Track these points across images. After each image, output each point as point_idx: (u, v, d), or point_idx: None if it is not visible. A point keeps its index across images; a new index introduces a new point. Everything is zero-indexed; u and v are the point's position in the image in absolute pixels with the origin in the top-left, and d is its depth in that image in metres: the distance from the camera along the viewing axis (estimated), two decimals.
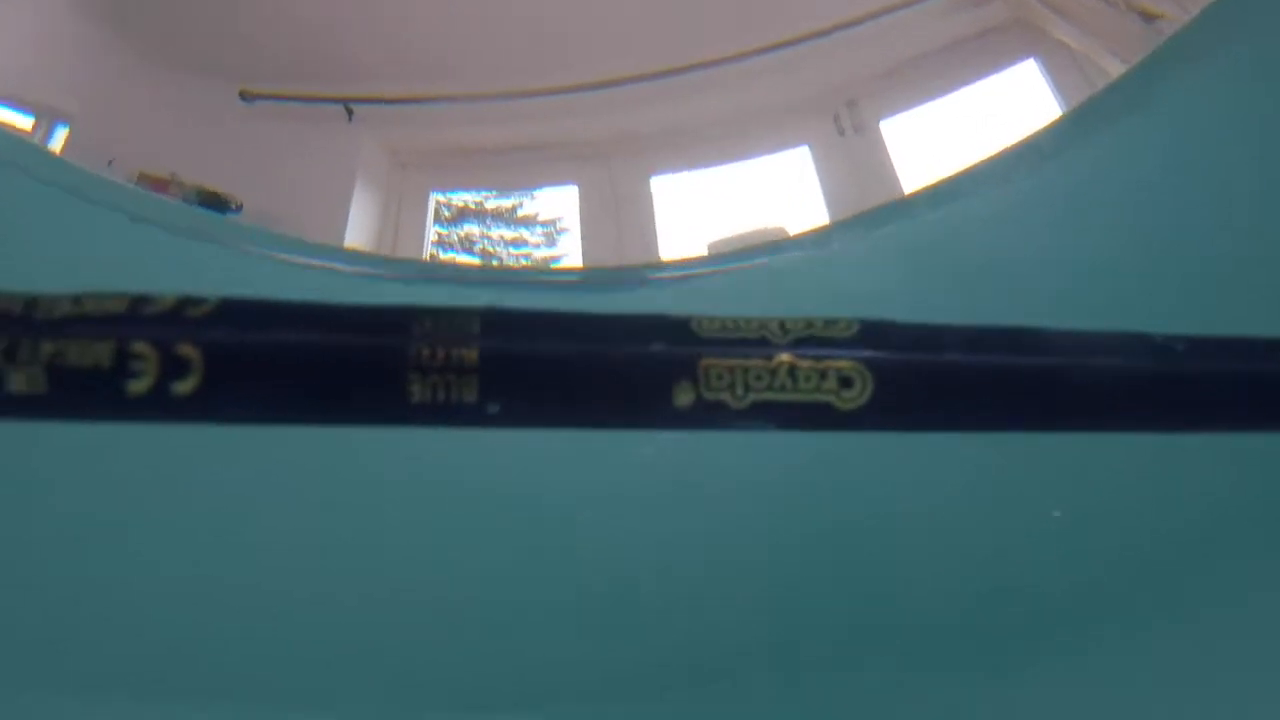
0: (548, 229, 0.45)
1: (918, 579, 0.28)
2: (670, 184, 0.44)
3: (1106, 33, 0.37)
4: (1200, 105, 0.33)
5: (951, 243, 0.33)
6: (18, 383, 0.12)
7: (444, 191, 0.45)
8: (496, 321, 0.12)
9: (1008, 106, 0.37)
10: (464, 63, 0.44)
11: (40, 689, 0.24)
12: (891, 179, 0.41)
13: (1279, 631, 0.26)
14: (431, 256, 0.45)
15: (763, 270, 0.35)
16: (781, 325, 0.12)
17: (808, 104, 0.43)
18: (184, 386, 0.12)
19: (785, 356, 0.12)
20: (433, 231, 0.45)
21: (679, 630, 0.27)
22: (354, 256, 0.41)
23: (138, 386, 0.12)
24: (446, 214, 0.45)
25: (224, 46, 0.44)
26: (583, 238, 0.44)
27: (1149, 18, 0.36)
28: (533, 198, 0.45)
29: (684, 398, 0.12)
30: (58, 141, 0.42)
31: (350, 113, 0.45)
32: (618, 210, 0.43)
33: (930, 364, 0.12)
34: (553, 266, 0.43)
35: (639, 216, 0.43)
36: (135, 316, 0.12)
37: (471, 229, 0.45)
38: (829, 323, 0.12)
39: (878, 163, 0.41)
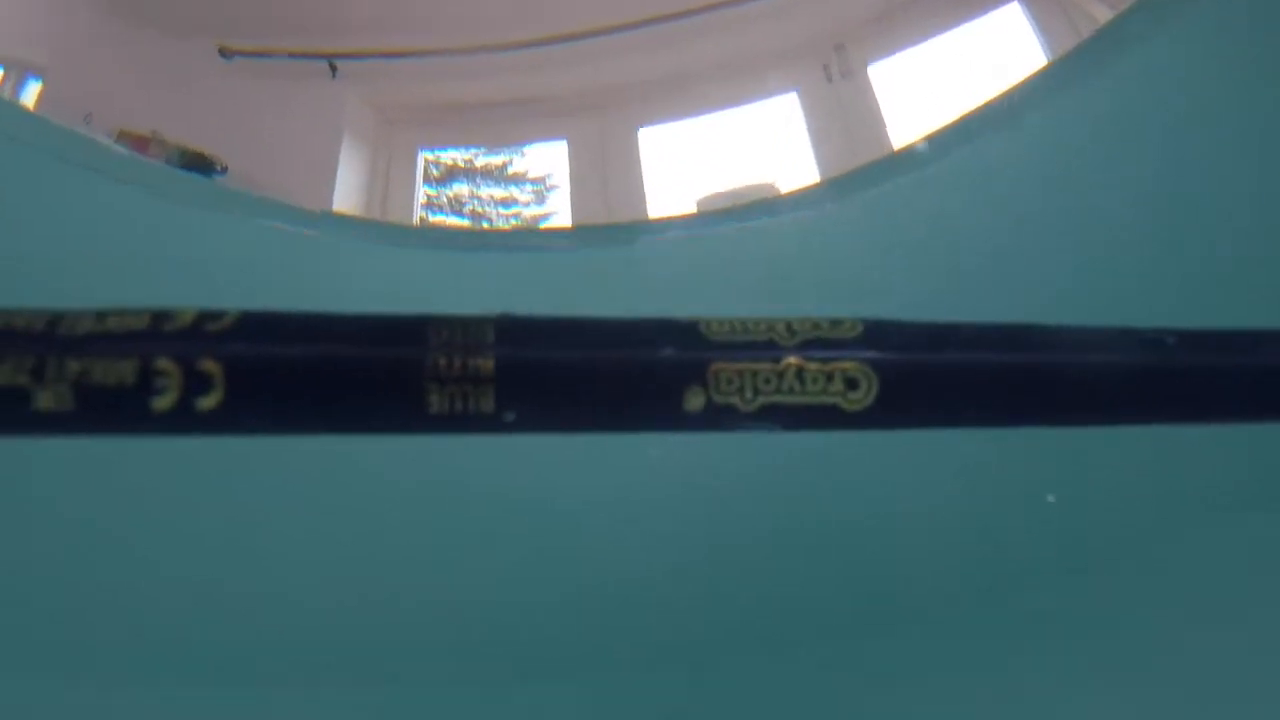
0: (537, 186, 0.45)
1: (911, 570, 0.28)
2: (659, 136, 0.44)
3: None
4: (1192, 50, 0.33)
5: (939, 199, 0.33)
6: (45, 401, 0.12)
7: (433, 149, 0.45)
8: (510, 329, 0.13)
9: (993, 54, 0.37)
10: (449, 15, 0.44)
11: (69, 676, 0.25)
12: (879, 125, 0.41)
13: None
14: (422, 219, 0.45)
15: (753, 230, 0.36)
16: (788, 326, 0.13)
17: (796, 49, 0.43)
18: (207, 402, 0.12)
19: (793, 359, 0.13)
20: (422, 192, 0.45)
21: (682, 617, 0.28)
22: (347, 223, 0.41)
23: (162, 403, 0.12)
24: (435, 173, 0.45)
25: (200, 0, 0.44)
26: (572, 193, 0.44)
27: None
28: (522, 154, 0.45)
29: (695, 402, 0.13)
30: (30, 97, 0.41)
31: (334, 69, 0.44)
32: (607, 165, 0.43)
33: (931, 363, 0.13)
34: (541, 227, 0.43)
35: (628, 171, 0.43)
36: (157, 333, 0.13)
37: (461, 189, 0.45)
38: (834, 323, 0.13)
39: (866, 108, 0.42)
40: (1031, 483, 0.28)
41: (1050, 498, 0.28)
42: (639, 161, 0.43)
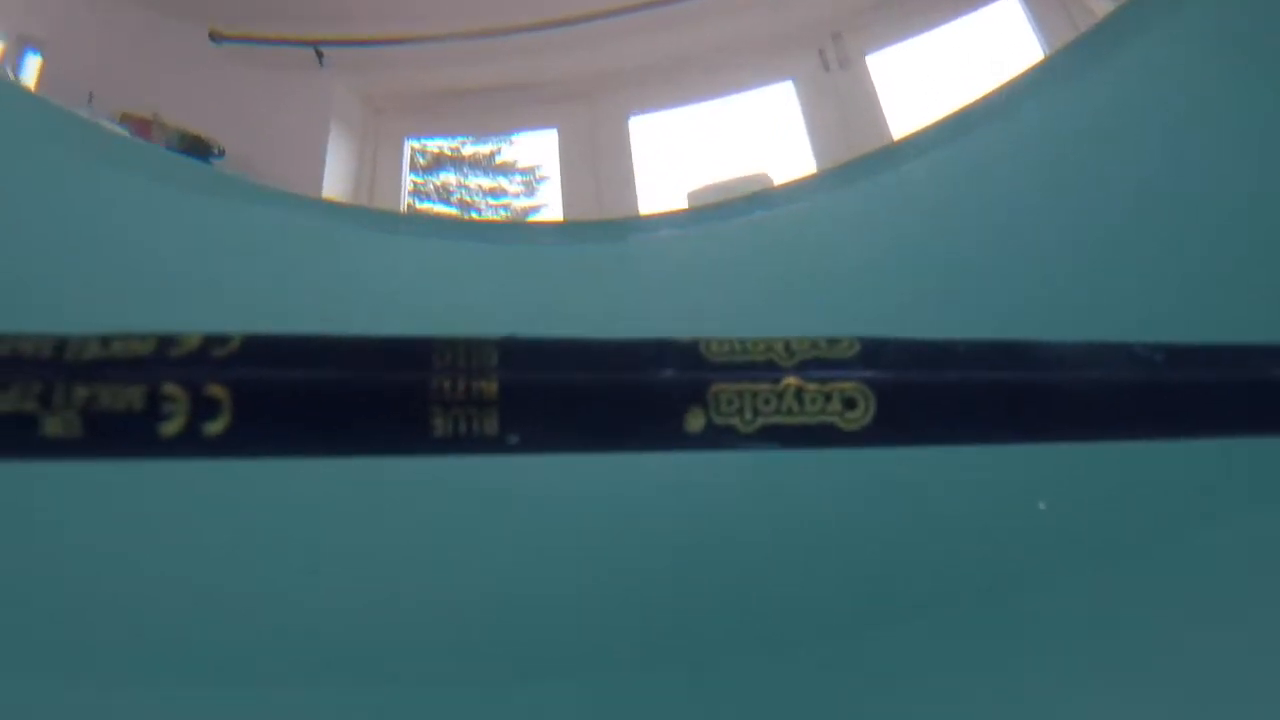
0: (526, 176, 0.45)
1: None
2: (651, 125, 0.44)
3: None
4: (1190, 42, 0.34)
5: (935, 191, 0.34)
6: (53, 427, 0.13)
7: (419, 137, 0.45)
8: (514, 352, 0.13)
9: (991, 46, 0.38)
10: (436, 1, 0.44)
11: (69, 676, 0.25)
12: (877, 116, 0.42)
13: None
14: (409, 206, 0.45)
15: (747, 223, 0.36)
16: (786, 346, 0.13)
17: (792, 38, 0.44)
18: (215, 427, 0.13)
19: (791, 379, 0.13)
20: (409, 180, 0.45)
21: (682, 617, 0.28)
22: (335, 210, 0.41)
23: (170, 428, 0.13)
24: (422, 161, 0.46)
25: None
26: (563, 185, 0.44)
27: None
28: (511, 143, 0.45)
29: (695, 423, 0.13)
30: (30, 73, 0.42)
31: (321, 56, 0.45)
32: (597, 155, 0.43)
33: (927, 382, 0.13)
34: (530, 220, 0.44)
35: (619, 161, 0.43)
36: (163, 358, 0.13)
37: (449, 177, 0.46)
38: (832, 342, 0.13)
39: (863, 99, 0.42)
40: (1031, 482, 0.28)
41: (1041, 505, 0.28)
42: (630, 151, 0.44)
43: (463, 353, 0.13)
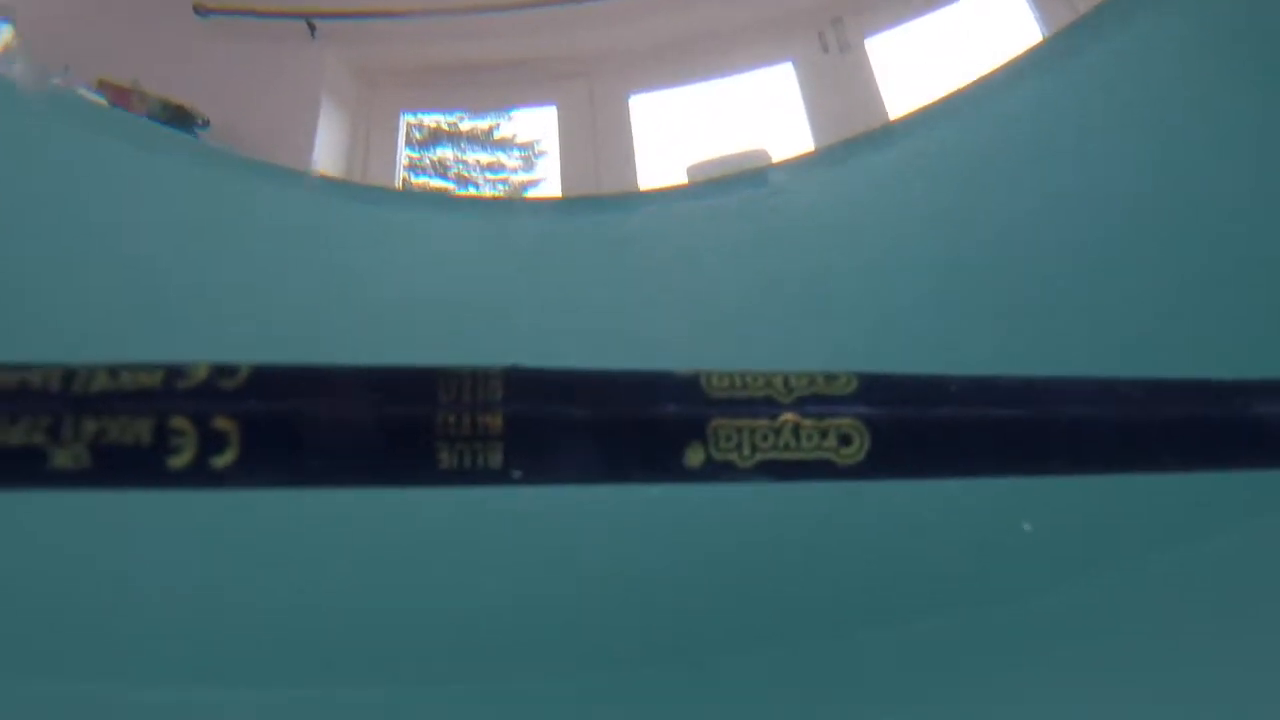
0: (525, 152, 0.46)
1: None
2: (651, 102, 0.45)
3: None
4: (1187, 25, 0.34)
5: (930, 170, 0.34)
6: (62, 459, 0.14)
7: (415, 112, 0.46)
8: (518, 385, 0.14)
9: (989, 28, 0.38)
10: None
11: (69, 676, 0.26)
12: (876, 99, 0.42)
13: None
14: (404, 181, 0.46)
15: (745, 200, 0.37)
16: (785, 382, 0.14)
17: (792, 19, 0.44)
18: (222, 460, 0.14)
19: (789, 416, 0.14)
20: (405, 155, 0.46)
21: (682, 617, 0.29)
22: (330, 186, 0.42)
23: (178, 461, 0.14)
24: (418, 136, 0.46)
25: None
26: (561, 160, 0.45)
27: None
28: (509, 119, 0.46)
29: (695, 458, 0.14)
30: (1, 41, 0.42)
31: (313, 28, 0.45)
32: (597, 131, 0.44)
33: (921, 420, 0.14)
34: (527, 195, 0.44)
35: (619, 137, 0.44)
36: (171, 391, 0.14)
37: (445, 153, 0.46)
38: (829, 378, 0.14)
39: (862, 82, 0.43)
40: (1031, 485, 0.29)
41: (1026, 526, 0.29)
42: (630, 128, 0.44)
43: (468, 386, 0.14)
